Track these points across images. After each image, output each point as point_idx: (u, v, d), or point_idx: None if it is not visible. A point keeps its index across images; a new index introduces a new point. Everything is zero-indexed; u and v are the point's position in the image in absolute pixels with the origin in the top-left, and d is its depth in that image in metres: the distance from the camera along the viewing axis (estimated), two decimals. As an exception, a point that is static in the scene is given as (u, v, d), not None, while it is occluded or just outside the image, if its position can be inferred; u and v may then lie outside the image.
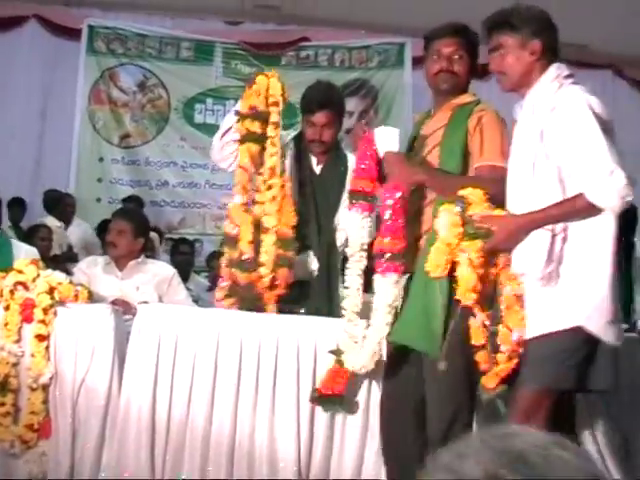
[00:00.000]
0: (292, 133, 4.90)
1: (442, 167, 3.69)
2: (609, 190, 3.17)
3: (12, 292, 4.04)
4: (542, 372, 3.27)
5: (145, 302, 4.62)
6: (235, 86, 10.52)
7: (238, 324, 4.01)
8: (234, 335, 3.98)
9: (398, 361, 3.74)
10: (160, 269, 5.39)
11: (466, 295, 3.31)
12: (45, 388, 3.97)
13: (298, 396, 3.97)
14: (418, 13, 9.84)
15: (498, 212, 3.38)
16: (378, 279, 3.67)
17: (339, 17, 10.32)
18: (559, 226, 3.24)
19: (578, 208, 3.22)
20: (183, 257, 7.85)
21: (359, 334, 3.75)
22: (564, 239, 3.25)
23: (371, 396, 4.01)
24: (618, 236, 3.27)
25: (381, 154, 3.73)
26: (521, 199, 3.34)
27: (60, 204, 8.94)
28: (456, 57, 3.83)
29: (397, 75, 10.58)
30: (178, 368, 3.97)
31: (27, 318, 3.99)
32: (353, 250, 3.79)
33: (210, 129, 10.43)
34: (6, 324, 3.98)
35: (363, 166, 3.80)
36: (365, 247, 3.79)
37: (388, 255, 3.61)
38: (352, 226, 3.82)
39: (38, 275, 4.12)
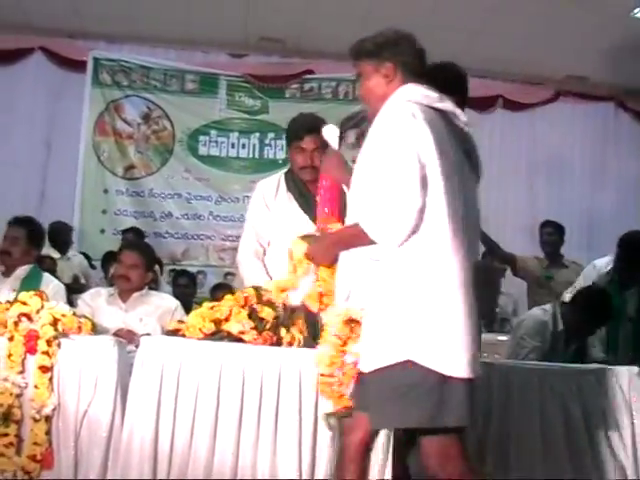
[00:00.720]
0: (266, 179, 4.94)
1: None
2: (385, 224, 3.10)
3: (16, 323, 4.04)
4: (375, 412, 3.22)
5: (148, 334, 4.64)
6: (239, 118, 10.62)
7: (240, 355, 4.01)
8: (236, 366, 3.98)
9: None
10: (163, 301, 5.40)
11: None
12: (48, 419, 3.96)
13: (300, 426, 3.96)
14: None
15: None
16: None
17: (343, 50, 10.26)
18: (387, 254, 3.15)
19: (356, 234, 3.18)
20: (182, 289, 7.85)
21: None
22: (394, 268, 3.16)
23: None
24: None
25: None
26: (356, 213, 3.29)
27: (62, 235, 8.97)
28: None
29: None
30: (181, 399, 3.96)
31: (31, 349, 3.99)
32: None
33: (214, 161, 10.53)
34: (10, 355, 3.98)
35: (326, 210, 3.94)
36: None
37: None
38: None
39: (42, 307, 4.12)
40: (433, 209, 3.14)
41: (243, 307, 4.12)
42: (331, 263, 3.33)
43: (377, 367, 3.16)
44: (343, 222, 3.63)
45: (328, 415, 3.66)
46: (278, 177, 4.87)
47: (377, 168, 3.17)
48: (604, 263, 6.44)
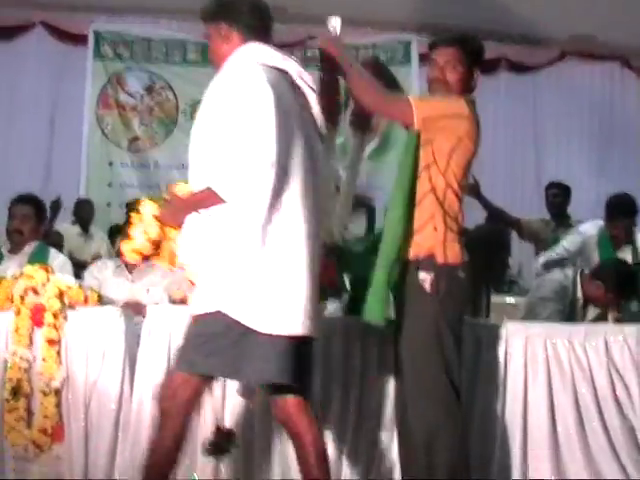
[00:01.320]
0: None
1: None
2: (234, 184, 3.10)
3: (22, 297, 4.05)
4: (179, 356, 3.28)
5: (155, 304, 4.64)
6: (242, 87, 10.53)
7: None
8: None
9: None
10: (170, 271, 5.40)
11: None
12: (57, 392, 3.99)
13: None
14: (423, 10, 9.86)
15: None
16: None
17: (345, 15, 10.23)
18: (210, 211, 3.18)
19: (207, 197, 3.17)
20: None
21: None
22: (216, 224, 3.18)
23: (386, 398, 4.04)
24: None
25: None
26: (199, 176, 3.27)
27: (84, 212, 9.01)
28: (449, 67, 3.80)
29: (404, 72, 10.52)
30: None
31: (38, 323, 4.00)
32: None
33: (219, 131, 10.48)
34: (17, 329, 3.99)
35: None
36: None
37: None
38: None
39: (48, 280, 4.13)
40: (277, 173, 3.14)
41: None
42: (179, 226, 3.36)
43: (194, 314, 3.24)
44: None
45: None
46: None
47: (223, 129, 3.16)
48: (588, 227, 6.40)
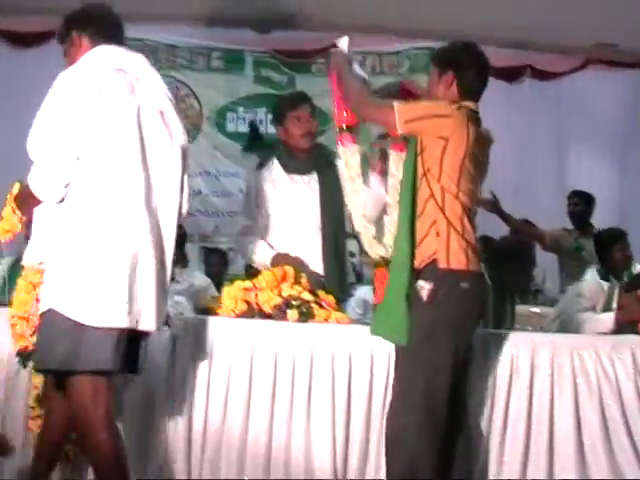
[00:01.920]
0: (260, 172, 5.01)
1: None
2: (41, 180, 3.29)
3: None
4: (35, 354, 3.45)
5: (180, 313, 4.64)
6: (266, 94, 10.57)
7: (273, 334, 4.01)
8: (269, 343, 4.00)
9: None
10: (195, 279, 5.42)
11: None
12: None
13: (333, 404, 3.99)
14: (447, 17, 9.84)
15: None
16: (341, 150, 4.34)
17: (369, 23, 10.32)
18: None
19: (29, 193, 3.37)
20: (214, 267, 7.84)
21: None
22: (52, 223, 3.37)
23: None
24: None
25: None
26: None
27: None
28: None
29: (427, 80, 10.50)
30: (214, 376, 3.99)
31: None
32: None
33: (242, 137, 10.51)
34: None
35: (345, 114, 4.32)
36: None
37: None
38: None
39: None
40: (99, 168, 3.29)
41: (280, 283, 4.22)
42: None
43: (40, 313, 3.36)
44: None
45: (17, 354, 3.82)
46: (271, 164, 4.97)
47: (42, 124, 3.38)
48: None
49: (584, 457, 4.13)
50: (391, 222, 4.22)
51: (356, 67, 4.35)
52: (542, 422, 4.14)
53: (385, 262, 4.16)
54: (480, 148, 3.79)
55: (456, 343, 3.64)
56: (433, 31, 10.25)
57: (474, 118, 3.78)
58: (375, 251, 4.29)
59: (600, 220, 7.99)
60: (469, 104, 3.83)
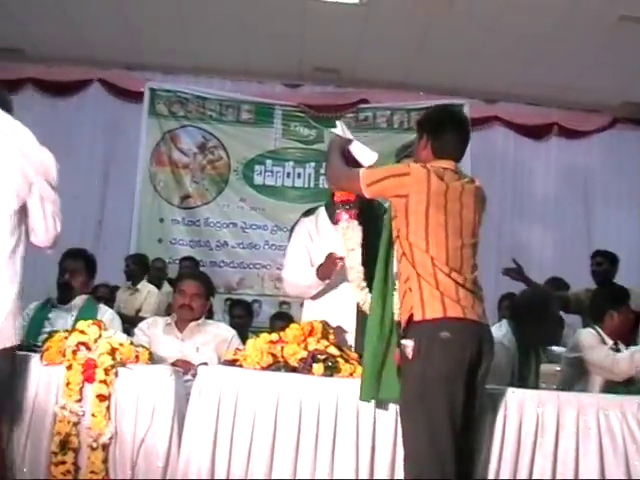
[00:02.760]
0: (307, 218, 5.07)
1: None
2: None
3: (74, 352, 4.07)
4: None
5: (205, 363, 4.65)
6: (294, 148, 10.67)
7: (297, 386, 4.01)
8: (294, 396, 3.98)
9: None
10: (220, 330, 5.40)
11: None
12: (105, 448, 3.98)
13: (357, 457, 3.95)
14: (476, 75, 9.92)
15: None
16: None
17: (397, 79, 10.41)
18: None
19: None
20: (238, 319, 7.86)
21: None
22: None
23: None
24: None
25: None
26: None
27: (135, 266, 9.08)
28: None
29: (456, 136, 10.57)
30: (238, 428, 3.96)
31: (89, 378, 4.01)
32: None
33: (270, 191, 10.59)
34: (68, 384, 4.01)
35: None
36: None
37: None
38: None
39: (100, 336, 4.16)
40: None
41: (307, 337, 4.25)
42: None
43: None
44: None
45: None
46: (318, 212, 5.02)
47: None
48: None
49: (608, 517, 4.08)
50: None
51: (357, 144, 4.50)
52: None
53: None
54: (453, 197, 3.81)
55: (451, 392, 3.64)
56: (461, 88, 10.34)
57: (441, 174, 3.82)
58: None
59: (626, 278, 7.94)
60: (442, 163, 3.90)
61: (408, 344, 3.65)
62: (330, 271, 4.63)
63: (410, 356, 3.64)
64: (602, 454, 4.11)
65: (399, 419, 3.81)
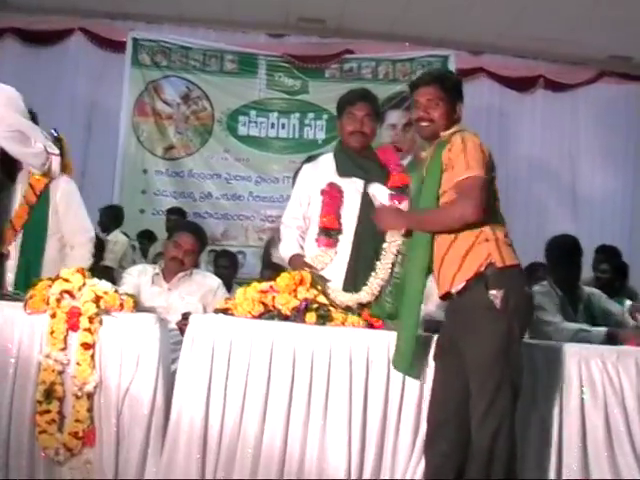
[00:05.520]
0: (312, 164, 4.99)
1: (423, 204, 3.91)
2: None
3: (58, 300, 4.04)
4: None
5: (189, 312, 4.64)
6: (279, 98, 10.61)
7: (291, 334, 4.00)
8: (287, 345, 3.98)
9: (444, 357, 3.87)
10: (206, 279, 5.39)
11: None
12: (90, 396, 3.96)
13: (350, 406, 3.97)
14: (462, 26, 9.86)
15: None
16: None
17: (383, 30, 10.34)
18: None
19: None
20: (223, 270, 7.83)
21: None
22: None
23: (423, 401, 4.02)
24: None
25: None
26: None
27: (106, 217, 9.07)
28: (432, 104, 3.97)
29: (441, 88, 10.53)
30: (231, 378, 3.95)
31: (73, 326, 3.98)
32: None
33: (254, 141, 10.54)
34: (52, 332, 3.98)
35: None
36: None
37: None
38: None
39: (84, 284, 4.13)
40: None
41: (298, 286, 4.23)
42: None
43: None
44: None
45: None
46: (326, 161, 4.88)
47: None
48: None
49: (588, 465, 4.13)
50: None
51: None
52: (550, 428, 4.16)
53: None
54: None
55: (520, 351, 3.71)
56: (447, 40, 10.29)
57: None
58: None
59: (610, 233, 7.96)
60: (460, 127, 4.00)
61: (497, 294, 3.62)
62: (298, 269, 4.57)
63: (498, 306, 3.61)
64: (583, 403, 4.16)
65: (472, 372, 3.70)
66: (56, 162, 4.86)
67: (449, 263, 3.76)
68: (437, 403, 3.84)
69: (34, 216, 4.84)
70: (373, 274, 4.51)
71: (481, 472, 3.57)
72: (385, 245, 4.49)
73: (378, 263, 4.51)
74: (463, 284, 3.70)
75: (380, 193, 4.68)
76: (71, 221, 4.92)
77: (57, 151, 4.84)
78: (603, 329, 4.99)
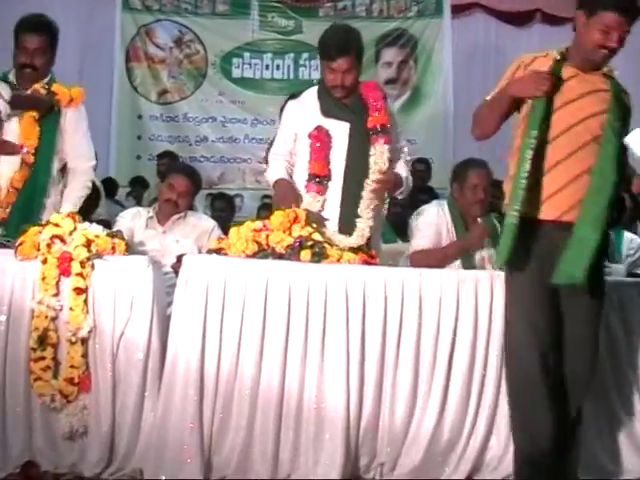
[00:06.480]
0: (297, 100, 4.89)
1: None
2: None
3: (49, 246, 3.99)
4: None
5: (184, 254, 4.59)
6: (273, 39, 10.52)
7: (286, 272, 3.96)
8: (282, 283, 3.94)
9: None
10: (200, 221, 5.35)
11: None
12: (84, 342, 3.93)
13: (347, 343, 3.94)
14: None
15: None
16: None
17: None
18: None
19: None
20: (220, 213, 7.77)
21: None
22: None
23: (421, 337, 4.00)
24: None
25: None
26: None
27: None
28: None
29: (436, 24, 10.47)
30: (226, 318, 3.92)
31: (65, 271, 3.94)
32: None
33: (248, 83, 10.46)
34: (44, 278, 3.94)
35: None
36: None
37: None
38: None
39: (75, 228, 4.07)
40: None
41: (292, 224, 4.17)
42: None
43: None
44: None
45: None
46: (311, 98, 4.79)
47: None
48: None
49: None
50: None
51: None
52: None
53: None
54: None
55: None
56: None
57: None
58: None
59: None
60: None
61: None
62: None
63: None
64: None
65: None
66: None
67: None
68: None
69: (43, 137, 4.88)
70: (358, 220, 4.54)
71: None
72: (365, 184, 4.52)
73: (361, 206, 4.54)
74: None
75: None
76: (78, 142, 5.00)
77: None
78: None
